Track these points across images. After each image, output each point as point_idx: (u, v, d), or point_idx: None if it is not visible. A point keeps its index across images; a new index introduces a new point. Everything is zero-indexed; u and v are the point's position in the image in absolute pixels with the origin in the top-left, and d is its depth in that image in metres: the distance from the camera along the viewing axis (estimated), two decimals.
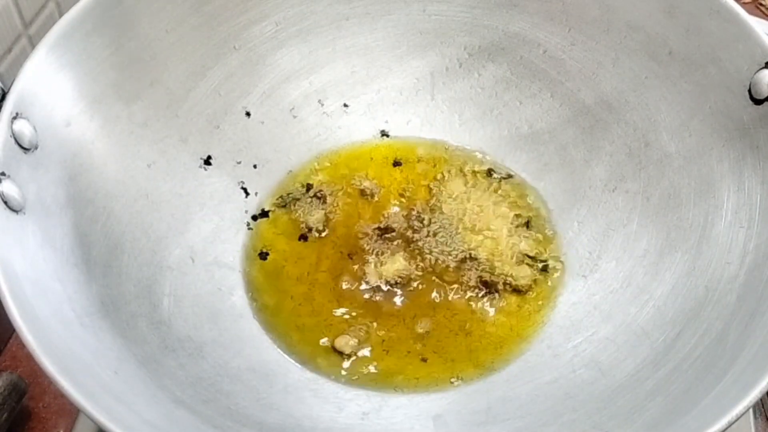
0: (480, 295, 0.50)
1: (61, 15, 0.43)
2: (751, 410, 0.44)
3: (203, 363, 0.44)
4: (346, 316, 0.49)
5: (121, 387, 0.37)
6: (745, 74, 0.44)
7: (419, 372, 0.47)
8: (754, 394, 0.33)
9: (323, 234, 0.52)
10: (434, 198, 0.54)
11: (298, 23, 0.54)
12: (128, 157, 0.47)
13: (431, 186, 0.55)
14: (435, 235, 0.52)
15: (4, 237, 0.36)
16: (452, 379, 0.46)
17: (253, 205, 0.53)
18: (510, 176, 0.55)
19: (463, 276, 0.50)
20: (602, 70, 0.52)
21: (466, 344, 0.48)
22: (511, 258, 0.51)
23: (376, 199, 0.54)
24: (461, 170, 0.55)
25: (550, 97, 0.55)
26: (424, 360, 0.47)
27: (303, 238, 0.52)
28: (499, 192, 0.54)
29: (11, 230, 0.37)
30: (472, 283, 0.50)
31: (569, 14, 0.52)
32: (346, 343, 0.47)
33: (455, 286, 0.50)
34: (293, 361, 0.47)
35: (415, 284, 0.50)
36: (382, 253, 0.51)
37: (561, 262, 0.51)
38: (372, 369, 0.47)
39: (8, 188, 0.37)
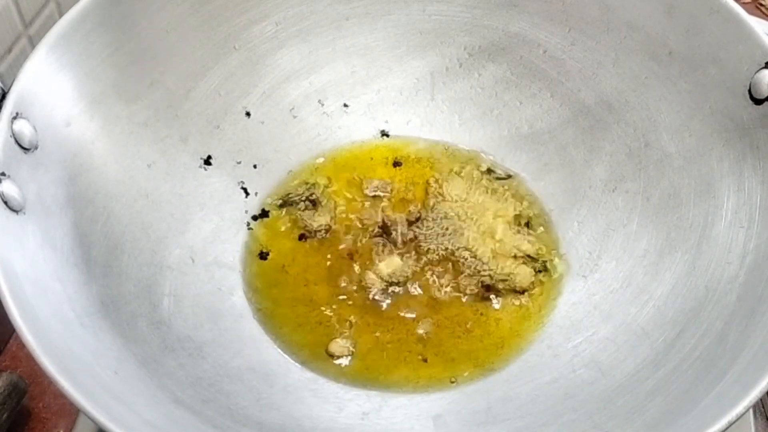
0: (480, 295, 0.50)
1: (61, 15, 0.43)
2: (751, 410, 0.44)
3: (203, 363, 0.44)
4: (346, 317, 0.49)
5: (121, 387, 0.37)
6: (745, 74, 0.44)
7: (419, 372, 0.47)
8: (754, 394, 0.33)
9: (323, 234, 0.53)
10: (434, 198, 0.54)
11: (298, 23, 0.54)
12: (128, 157, 0.47)
13: (431, 186, 0.55)
14: (435, 235, 0.52)
15: (4, 237, 0.36)
16: (452, 379, 0.46)
17: (253, 205, 0.53)
18: (510, 176, 0.55)
19: (463, 276, 0.50)
20: (602, 70, 0.52)
21: (466, 344, 0.48)
22: (511, 258, 0.51)
23: (381, 199, 0.54)
24: (461, 170, 0.55)
25: (550, 97, 0.55)
26: (424, 360, 0.47)
27: (303, 238, 0.52)
28: (499, 192, 0.54)
29: (11, 230, 0.37)
30: (472, 283, 0.50)
31: (569, 14, 0.52)
32: (346, 343, 0.47)
33: (455, 286, 0.50)
34: (293, 361, 0.47)
35: (414, 284, 0.50)
36: (382, 253, 0.51)
37: (561, 262, 0.51)
38: (372, 369, 0.47)
39: (8, 188, 0.37)
